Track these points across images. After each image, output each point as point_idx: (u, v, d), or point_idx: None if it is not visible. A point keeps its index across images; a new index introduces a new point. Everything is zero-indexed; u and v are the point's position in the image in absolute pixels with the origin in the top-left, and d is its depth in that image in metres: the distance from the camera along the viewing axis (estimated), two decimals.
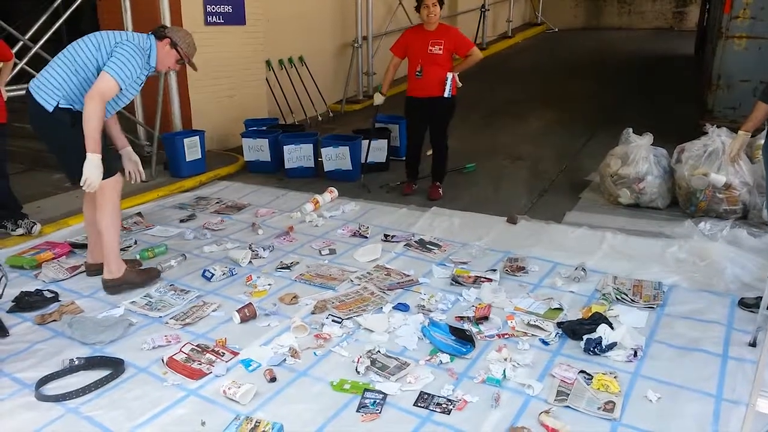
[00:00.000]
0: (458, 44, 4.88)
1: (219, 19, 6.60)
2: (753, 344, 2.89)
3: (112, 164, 3.36)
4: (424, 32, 4.88)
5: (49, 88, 3.25)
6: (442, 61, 4.84)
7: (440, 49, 4.81)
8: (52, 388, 2.65)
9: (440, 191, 5.18)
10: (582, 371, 2.67)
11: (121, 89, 3.23)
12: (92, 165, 3.16)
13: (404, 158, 5.46)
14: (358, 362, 2.75)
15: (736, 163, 4.23)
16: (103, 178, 3.24)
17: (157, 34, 3.46)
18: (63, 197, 5.13)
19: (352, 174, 5.63)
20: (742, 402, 2.44)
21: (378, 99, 5.23)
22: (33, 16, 4.83)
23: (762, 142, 3.35)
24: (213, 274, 3.67)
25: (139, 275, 3.57)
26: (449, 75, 4.81)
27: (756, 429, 2.04)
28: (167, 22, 5.58)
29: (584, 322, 3.02)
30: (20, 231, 4.29)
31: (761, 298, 2.91)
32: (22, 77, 5.01)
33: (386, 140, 5.93)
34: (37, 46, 4.82)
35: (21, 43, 4.77)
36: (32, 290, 3.48)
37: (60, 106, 3.24)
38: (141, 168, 3.73)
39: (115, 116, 3.60)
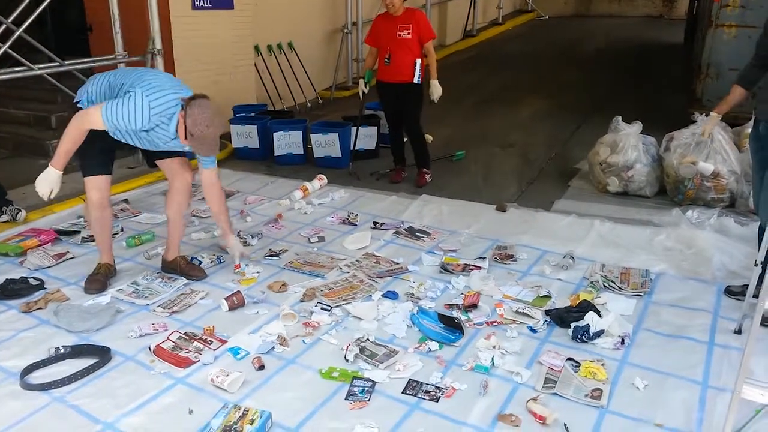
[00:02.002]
0: (422, 29, 4.87)
1: (207, 3, 6.52)
2: (738, 332, 2.91)
3: (89, 164, 3.27)
4: (391, 18, 4.89)
5: (84, 86, 3.24)
6: (412, 45, 4.84)
7: (409, 33, 4.82)
8: (38, 377, 2.63)
9: (426, 177, 5.17)
10: (570, 359, 2.69)
11: (111, 132, 3.07)
12: (45, 177, 3.08)
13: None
14: (346, 350, 2.75)
15: (719, 148, 4.31)
16: (84, 175, 3.25)
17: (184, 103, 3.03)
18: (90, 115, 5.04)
19: (342, 161, 5.60)
20: (727, 389, 2.46)
21: (361, 87, 5.25)
22: None
23: (749, 131, 3.36)
24: (201, 262, 3.65)
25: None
26: (418, 61, 4.84)
27: (741, 415, 2.06)
28: (153, 7, 5.49)
29: (572, 309, 3.04)
30: (5, 218, 4.25)
31: (747, 286, 2.94)
32: (6, 61, 4.92)
33: (376, 127, 5.90)
34: (21, 29, 4.73)
35: (4, 26, 4.67)
36: (17, 278, 3.44)
37: (79, 105, 3.19)
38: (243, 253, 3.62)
39: (220, 204, 3.46)
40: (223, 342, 2.87)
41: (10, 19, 4.69)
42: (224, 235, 3.61)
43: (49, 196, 3.13)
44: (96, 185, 3.25)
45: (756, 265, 2.83)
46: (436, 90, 4.97)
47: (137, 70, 3.22)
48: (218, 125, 3.03)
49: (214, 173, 3.37)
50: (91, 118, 3.00)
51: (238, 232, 4.06)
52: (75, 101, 3.24)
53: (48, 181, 3.09)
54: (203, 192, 3.52)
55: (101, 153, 3.24)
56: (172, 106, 3.02)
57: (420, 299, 3.25)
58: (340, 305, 3.17)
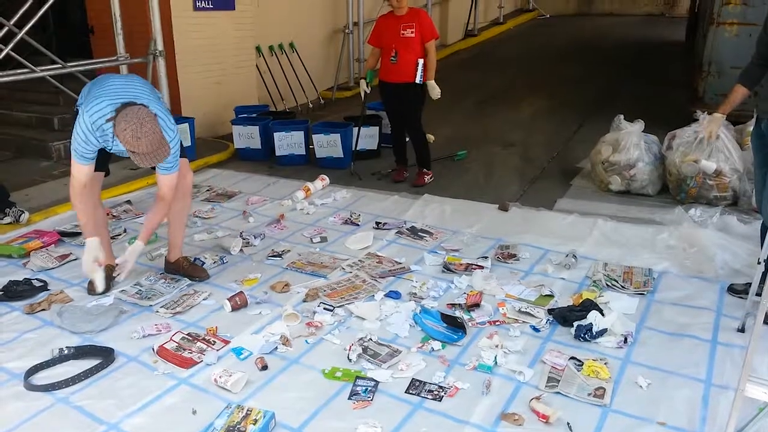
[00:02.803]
0: (425, 29, 4.89)
1: (208, 4, 6.53)
2: (742, 330, 2.91)
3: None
4: (395, 17, 4.91)
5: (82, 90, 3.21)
6: (415, 44, 4.86)
7: (412, 32, 4.84)
8: (42, 378, 2.63)
9: (425, 178, 5.17)
10: (572, 357, 2.69)
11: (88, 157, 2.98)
12: (86, 252, 3.13)
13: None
14: (349, 350, 2.75)
15: (721, 146, 4.29)
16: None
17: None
18: (51, 185, 5.08)
19: (344, 161, 5.60)
20: (730, 387, 2.46)
21: (363, 87, 5.25)
22: (19, 1, 4.75)
23: (752, 128, 3.35)
24: (203, 263, 3.66)
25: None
26: (420, 61, 4.86)
27: (744, 414, 2.06)
28: (155, 8, 5.51)
29: (575, 308, 3.03)
30: (8, 219, 4.25)
31: (750, 284, 2.93)
32: (9, 63, 4.94)
33: (377, 127, 5.90)
34: (23, 32, 4.74)
35: (6, 29, 4.68)
36: (21, 279, 3.45)
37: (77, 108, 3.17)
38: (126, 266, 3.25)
39: (161, 209, 3.25)
40: (226, 342, 2.88)
41: (12, 22, 4.70)
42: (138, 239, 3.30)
43: (99, 265, 3.17)
44: (82, 171, 3.04)
45: (759, 263, 2.81)
46: (434, 91, 4.98)
47: (107, 79, 3.09)
48: (147, 133, 2.73)
49: (168, 180, 3.11)
50: (72, 171, 3.02)
51: (241, 233, 4.08)
52: (76, 107, 3.21)
53: (89, 253, 3.11)
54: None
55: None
56: (104, 115, 2.85)
57: (423, 299, 3.25)
58: (343, 305, 3.17)
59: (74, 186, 3.07)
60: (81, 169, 3.02)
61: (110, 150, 3.06)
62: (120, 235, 4.13)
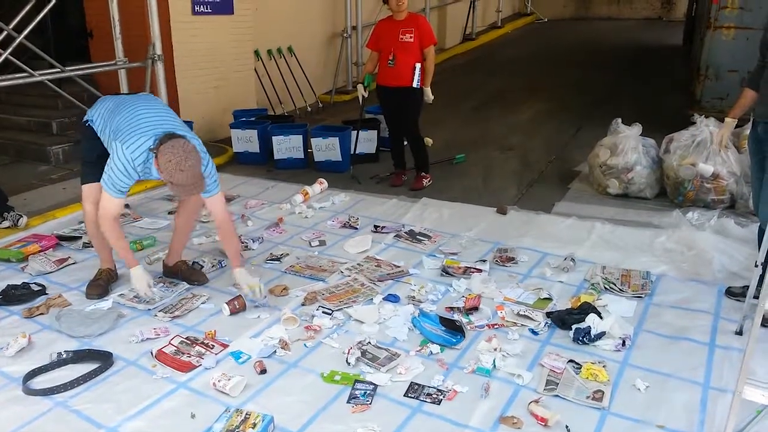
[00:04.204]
0: (424, 34, 4.91)
1: (207, 9, 6.54)
2: (740, 333, 2.92)
3: (86, 172, 3.28)
4: (394, 22, 4.94)
5: (93, 107, 3.26)
6: (414, 49, 4.88)
7: (411, 37, 4.86)
8: (40, 382, 2.63)
9: (423, 181, 5.18)
10: (571, 360, 2.69)
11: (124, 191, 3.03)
12: (135, 280, 3.20)
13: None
14: (348, 353, 2.75)
15: (724, 152, 4.26)
16: (82, 183, 3.27)
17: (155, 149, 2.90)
18: (49, 189, 5.08)
19: (342, 165, 5.61)
20: (729, 390, 2.46)
21: (360, 91, 5.27)
22: (17, 5, 4.76)
23: (749, 132, 3.36)
24: (202, 266, 3.66)
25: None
26: (417, 65, 4.88)
27: (742, 416, 2.06)
28: (154, 12, 5.51)
29: (573, 311, 3.04)
30: (6, 224, 4.25)
31: (748, 287, 2.94)
32: (7, 67, 4.94)
33: (376, 131, 5.91)
34: (21, 36, 4.75)
35: (5, 33, 4.69)
36: (19, 283, 3.44)
37: (89, 123, 3.21)
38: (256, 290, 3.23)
39: (230, 232, 3.30)
40: (225, 346, 2.88)
41: (11, 26, 4.71)
42: (232, 268, 3.34)
43: (151, 288, 3.25)
44: (91, 195, 3.19)
45: (756, 266, 2.83)
46: (427, 97, 5.03)
47: (130, 102, 3.14)
48: (191, 167, 2.81)
49: (216, 201, 3.17)
50: (104, 203, 3.04)
51: (240, 237, 4.07)
52: (84, 120, 3.24)
53: (138, 280, 3.19)
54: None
55: (100, 159, 3.21)
56: (146, 150, 2.91)
57: (421, 302, 3.25)
58: (342, 309, 3.18)
59: (105, 218, 3.07)
60: (116, 203, 3.05)
61: (144, 178, 3.10)
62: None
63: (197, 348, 2.86)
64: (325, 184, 5.12)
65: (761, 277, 2.62)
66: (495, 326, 3.01)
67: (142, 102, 3.20)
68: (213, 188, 3.13)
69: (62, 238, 4.10)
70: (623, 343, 2.82)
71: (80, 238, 4.10)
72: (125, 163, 2.93)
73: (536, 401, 2.44)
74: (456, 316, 3.08)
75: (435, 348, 2.82)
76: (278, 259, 3.81)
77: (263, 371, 2.68)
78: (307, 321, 3.07)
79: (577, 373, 2.61)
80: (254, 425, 2.28)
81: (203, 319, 3.14)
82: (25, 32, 4.77)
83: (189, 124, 5.69)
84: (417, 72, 4.88)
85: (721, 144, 3.86)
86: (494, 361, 2.69)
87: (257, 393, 2.56)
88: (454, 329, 2.95)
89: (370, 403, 2.47)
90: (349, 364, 2.71)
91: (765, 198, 3.06)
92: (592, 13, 16.24)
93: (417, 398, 2.50)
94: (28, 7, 4.77)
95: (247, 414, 2.35)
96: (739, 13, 5.68)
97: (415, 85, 4.90)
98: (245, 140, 5.93)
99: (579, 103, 8.15)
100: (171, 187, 2.91)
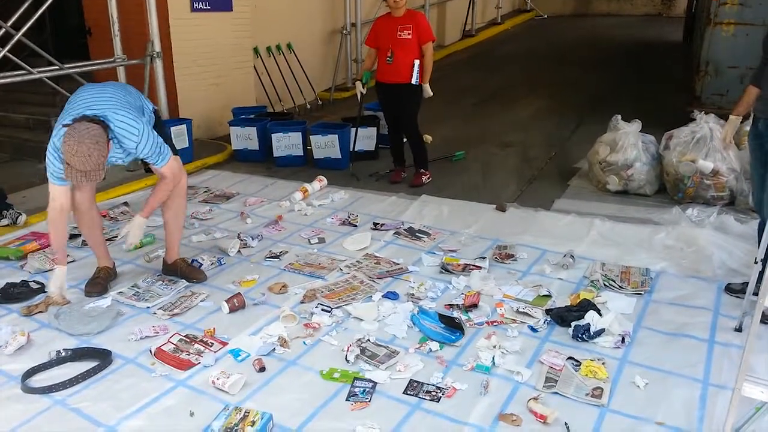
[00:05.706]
0: (422, 31, 4.91)
1: (205, 6, 6.52)
2: (739, 329, 2.91)
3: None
4: (392, 19, 4.94)
5: None
6: (412, 46, 4.88)
7: (409, 33, 4.86)
8: (39, 380, 2.63)
9: (423, 178, 5.18)
10: (570, 358, 2.69)
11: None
12: (52, 276, 3.25)
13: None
14: (347, 351, 2.75)
15: (718, 146, 4.26)
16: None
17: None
18: (48, 187, 5.06)
19: (341, 162, 5.60)
20: (728, 386, 2.46)
21: (359, 88, 5.26)
22: (16, 2, 4.75)
23: (749, 128, 3.36)
24: (201, 264, 3.65)
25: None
26: (416, 62, 4.87)
27: (742, 413, 2.06)
28: (152, 10, 5.51)
29: (572, 308, 3.04)
30: (5, 221, 4.25)
31: (747, 283, 2.94)
32: (6, 65, 4.93)
33: (375, 128, 5.90)
34: (20, 33, 4.74)
35: (3, 30, 4.68)
36: (18, 281, 3.44)
37: None
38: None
39: (160, 187, 3.26)
40: (224, 344, 2.88)
41: (10, 23, 4.70)
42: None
43: (62, 292, 3.26)
44: (59, 191, 3.11)
45: (756, 262, 2.82)
46: (426, 94, 5.02)
47: (79, 93, 3.13)
48: (82, 154, 2.74)
49: (164, 169, 3.17)
50: (50, 193, 3.08)
51: (238, 234, 4.07)
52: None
53: (55, 279, 3.21)
54: None
55: None
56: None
57: (420, 299, 3.25)
58: (341, 306, 3.17)
59: (52, 209, 3.09)
60: (59, 191, 3.05)
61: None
62: (117, 237, 4.12)
63: (196, 346, 2.86)
64: (325, 181, 5.11)
65: (761, 274, 2.62)
66: (494, 323, 3.01)
67: (97, 87, 3.17)
68: (157, 160, 3.11)
69: None
70: (622, 340, 2.81)
71: (79, 236, 4.09)
72: (52, 149, 2.94)
73: (535, 398, 2.44)
74: (455, 314, 3.08)
75: (434, 345, 2.82)
76: (277, 257, 3.80)
77: (262, 369, 2.67)
78: (306, 318, 3.07)
79: (576, 370, 2.61)
80: (253, 423, 2.28)
81: (202, 317, 3.13)
82: (24, 29, 4.77)
83: (188, 121, 5.74)
84: (416, 69, 4.88)
85: (725, 141, 3.85)
86: (493, 358, 2.69)
87: (256, 391, 2.56)
88: (453, 326, 2.94)
89: (370, 401, 2.47)
90: (348, 361, 2.71)
91: (765, 194, 3.05)
92: (592, 9, 16.23)
93: (416, 395, 2.49)
94: (26, 5, 4.76)
95: (246, 412, 2.35)
96: (739, 9, 5.67)
97: (413, 81, 4.90)
98: (244, 137, 5.92)
99: (579, 99, 8.14)
100: (66, 171, 2.82)
